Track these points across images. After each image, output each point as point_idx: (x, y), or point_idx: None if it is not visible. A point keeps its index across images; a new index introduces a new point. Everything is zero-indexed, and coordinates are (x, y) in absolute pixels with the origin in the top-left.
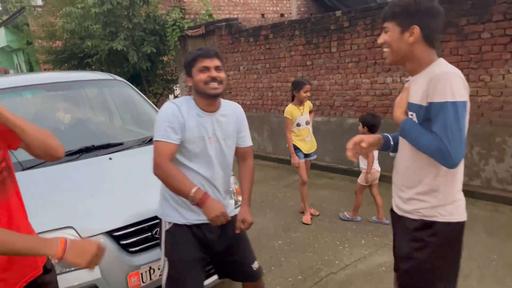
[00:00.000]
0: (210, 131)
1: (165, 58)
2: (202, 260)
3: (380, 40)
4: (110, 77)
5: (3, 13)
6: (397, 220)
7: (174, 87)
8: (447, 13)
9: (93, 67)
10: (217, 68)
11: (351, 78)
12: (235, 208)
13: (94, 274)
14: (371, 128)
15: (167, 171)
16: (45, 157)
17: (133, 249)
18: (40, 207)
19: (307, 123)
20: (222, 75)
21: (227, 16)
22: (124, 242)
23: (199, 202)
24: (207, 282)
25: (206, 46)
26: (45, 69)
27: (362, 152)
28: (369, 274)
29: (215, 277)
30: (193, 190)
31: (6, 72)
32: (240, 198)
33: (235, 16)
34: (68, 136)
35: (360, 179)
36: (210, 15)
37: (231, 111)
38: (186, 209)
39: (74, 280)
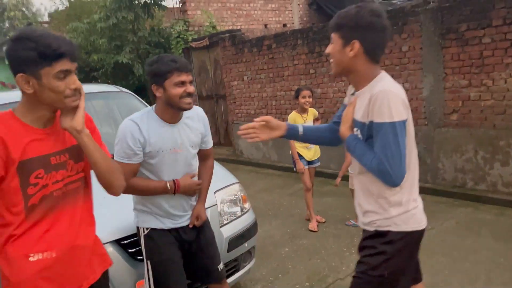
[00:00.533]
0: (173, 142)
1: None
2: (182, 259)
3: (327, 50)
4: (117, 89)
5: (10, 30)
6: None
7: None
8: (448, 19)
9: (99, 80)
10: (190, 83)
11: None
12: (241, 215)
13: None
14: None
15: (135, 185)
16: (109, 190)
17: (140, 257)
18: None
19: None
20: (193, 89)
21: (230, 27)
22: (132, 250)
23: (177, 190)
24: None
25: (210, 57)
26: None
27: (260, 137)
28: None
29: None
30: (167, 185)
31: (13, 87)
32: (246, 205)
33: (238, 27)
34: None
35: (350, 184)
36: (214, 27)
37: (194, 116)
38: (162, 216)
39: None
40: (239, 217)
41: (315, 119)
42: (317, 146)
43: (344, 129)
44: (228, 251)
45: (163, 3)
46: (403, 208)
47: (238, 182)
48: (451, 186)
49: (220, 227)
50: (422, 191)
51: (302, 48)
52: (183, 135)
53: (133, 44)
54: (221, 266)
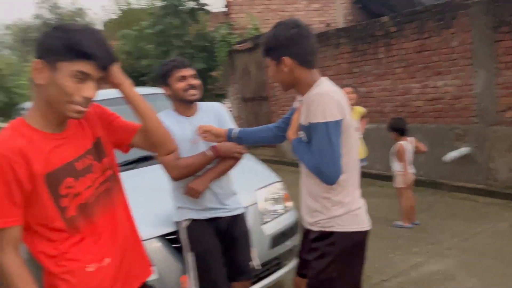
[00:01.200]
0: (191, 132)
1: (214, 74)
2: (220, 250)
3: (269, 74)
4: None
5: None
6: (306, 233)
7: (223, 101)
8: (500, 11)
9: (147, 85)
10: (192, 76)
11: (400, 83)
12: (283, 214)
13: (152, 275)
14: (403, 131)
15: (181, 163)
16: (162, 147)
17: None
18: None
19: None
20: (197, 82)
21: None
22: (177, 245)
23: (217, 154)
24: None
25: (253, 59)
26: None
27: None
28: (422, 282)
29: (265, 281)
30: (206, 153)
31: None
32: (288, 204)
33: None
34: None
35: (398, 183)
36: (257, 29)
37: (210, 110)
38: (199, 210)
39: None
40: (281, 215)
41: (362, 117)
42: (363, 145)
43: (290, 133)
44: (270, 249)
45: (207, 7)
46: (345, 208)
47: (280, 181)
48: (504, 187)
49: (262, 225)
50: (473, 192)
51: (345, 47)
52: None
53: (179, 49)
54: (251, 263)
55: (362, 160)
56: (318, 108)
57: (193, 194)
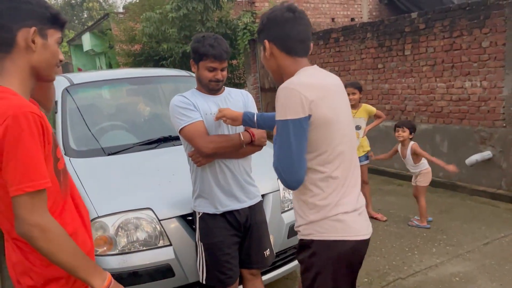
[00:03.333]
0: (216, 107)
1: (234, 62)
2: (235, 243)
3: None
4: (187, 73)
5: (88, 19)
6: None
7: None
8: None
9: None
10: (222, 69)
11: (425, 82)
12: None
13: (168, 255)
14: (414, 130)
15: (213, 139)
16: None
17: None
18: (122, 188)
19: (357, 127)
20: (225, 74)
21: None
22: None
23: (253, 139)
24: (272, 274)
25: None
26: None
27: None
28: (440, 283)
29: (280, 270)
30: (241, 136)
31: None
32: None
33: None
34: (148, 126)
35: (424, 181)
36: None
37: (237, 95)
38: (215, 202)
39: (149, 259)
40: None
41: (374, 116)
42: (364, 142)
43: (274, 129)
44: (288, 237)
45: None
46: (323, 213)
47: None
48: None
49: (282, 213)
50: (496, 197)
51: (371, 42)
52: (224, 105)
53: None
54: (267, 252)
55: (360, 158)
56: (279, 104)
57: (197, 159)
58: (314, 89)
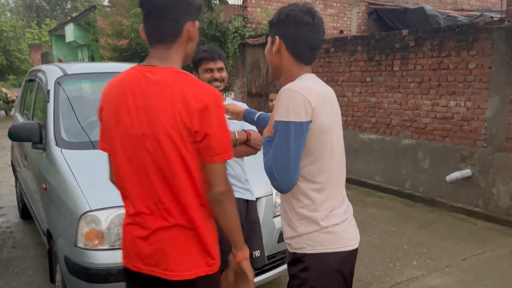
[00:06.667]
0: None
1: None
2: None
3: None
4: None
5: (73, 10)
6: None
7: (225, 95)
8: None
9: None
10: (219, 69)
11: (411, 98)
12: None
13: None
14: None
15: None
16: None
17: None
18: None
19: None
20: (223, 74)
21: None
22: None
23: (249, 138)
24: (259, 278)
25: (262, 55)
26: None
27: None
28: None
29: (267, 274)
30: (236, 135)
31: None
32: None
33: None
34: None
35: None
36: None
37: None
38: None
39: None
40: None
41: None
42: None
43: (265, 131)
44: (278, 242)
45: None
46: (314, 226)
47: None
48: (505, 214)
49: (273, 217)
50: (473, 215)
51: (361, 55)
52: None
53: None
54: (257, 253)
55: None
56: (282, 104)
57: None
58: (317, 96)
